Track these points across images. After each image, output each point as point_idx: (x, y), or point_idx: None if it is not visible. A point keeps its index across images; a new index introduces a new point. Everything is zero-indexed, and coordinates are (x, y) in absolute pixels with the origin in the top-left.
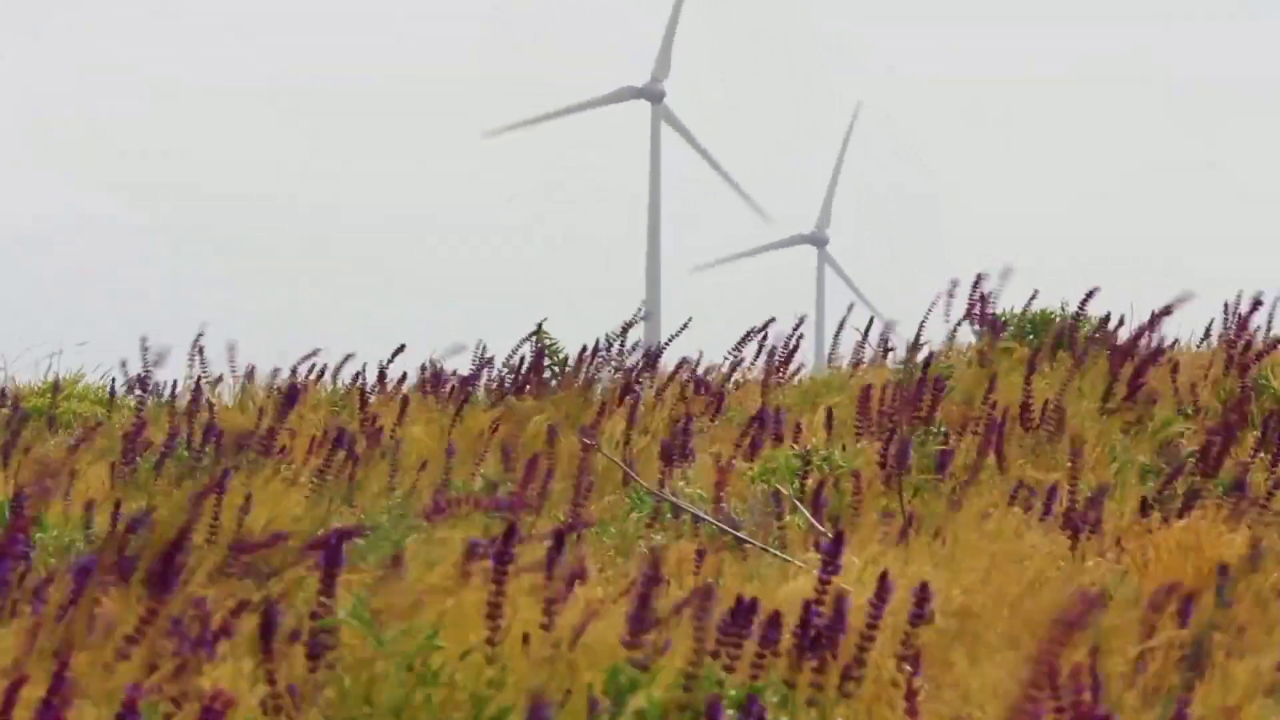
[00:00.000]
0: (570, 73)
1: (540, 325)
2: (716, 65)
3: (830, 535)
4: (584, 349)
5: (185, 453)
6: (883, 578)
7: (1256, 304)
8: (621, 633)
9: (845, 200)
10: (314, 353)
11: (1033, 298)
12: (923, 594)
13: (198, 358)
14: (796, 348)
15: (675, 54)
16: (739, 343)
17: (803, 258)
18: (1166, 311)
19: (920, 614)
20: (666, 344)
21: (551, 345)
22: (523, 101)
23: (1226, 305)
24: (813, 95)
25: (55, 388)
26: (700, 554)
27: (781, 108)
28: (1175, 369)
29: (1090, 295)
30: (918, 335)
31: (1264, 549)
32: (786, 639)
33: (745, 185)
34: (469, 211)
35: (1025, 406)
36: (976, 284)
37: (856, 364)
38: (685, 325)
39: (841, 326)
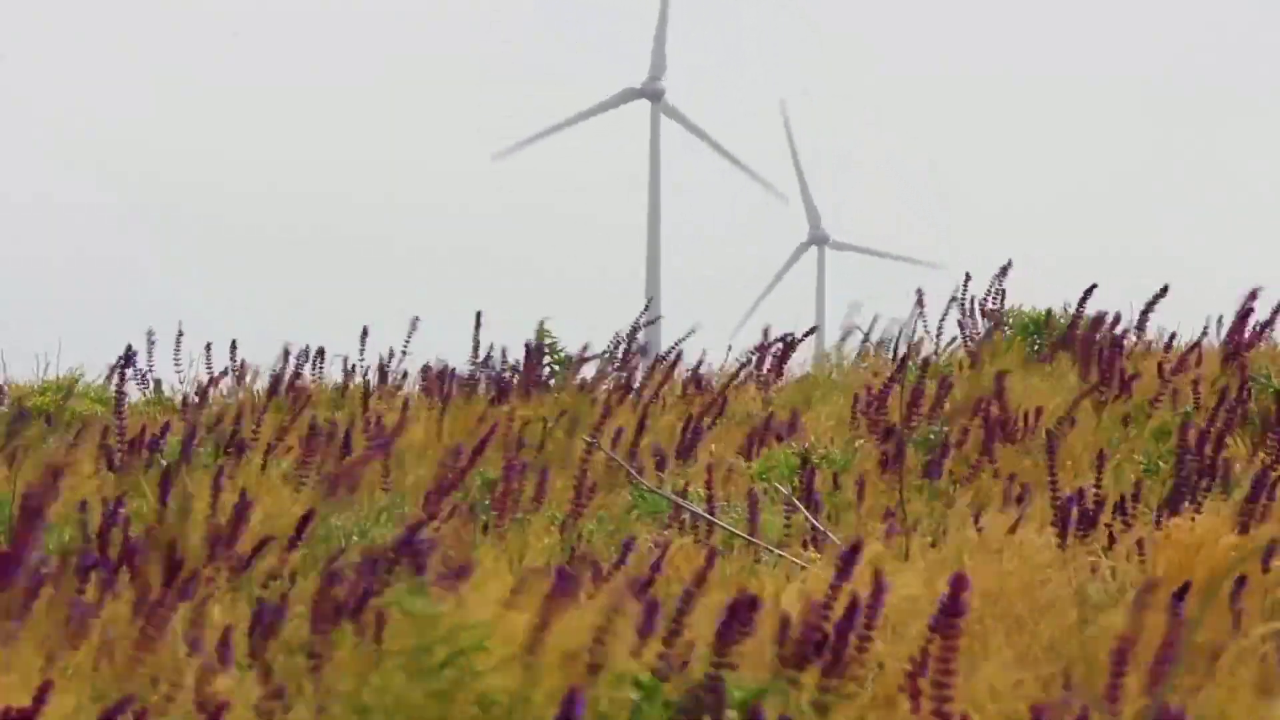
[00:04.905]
0: (571, 71)
1: (541, 324)
2: (713, 56)
3: (829, 534)
4: (584, 348)
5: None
6: (878, 578)
7: (1253, 296)
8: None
9: (847, 197)
10: (316, 350)
11: (1003, 293)
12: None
13: (201, 355)
14: (795, 347)
15: (670, 50)
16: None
17: (805, 256)
18: (1153, 303)
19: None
20: (672, 348)
21: (553, 344)
22: (523, 100)
23: (1219, 317)
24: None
25: (55, 386)
26: (710, 554)
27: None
28: (1167, 364)
29: (1088, 294)
30: (918, 334)
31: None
32: (791, 639)
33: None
34: (469, 210)
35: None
36: (968, 282)
37: (858, 362)
38: (690, 332)
39: (853, 332)
